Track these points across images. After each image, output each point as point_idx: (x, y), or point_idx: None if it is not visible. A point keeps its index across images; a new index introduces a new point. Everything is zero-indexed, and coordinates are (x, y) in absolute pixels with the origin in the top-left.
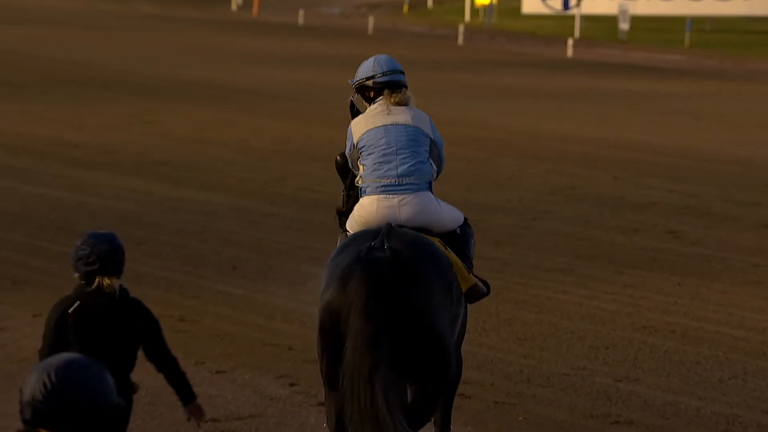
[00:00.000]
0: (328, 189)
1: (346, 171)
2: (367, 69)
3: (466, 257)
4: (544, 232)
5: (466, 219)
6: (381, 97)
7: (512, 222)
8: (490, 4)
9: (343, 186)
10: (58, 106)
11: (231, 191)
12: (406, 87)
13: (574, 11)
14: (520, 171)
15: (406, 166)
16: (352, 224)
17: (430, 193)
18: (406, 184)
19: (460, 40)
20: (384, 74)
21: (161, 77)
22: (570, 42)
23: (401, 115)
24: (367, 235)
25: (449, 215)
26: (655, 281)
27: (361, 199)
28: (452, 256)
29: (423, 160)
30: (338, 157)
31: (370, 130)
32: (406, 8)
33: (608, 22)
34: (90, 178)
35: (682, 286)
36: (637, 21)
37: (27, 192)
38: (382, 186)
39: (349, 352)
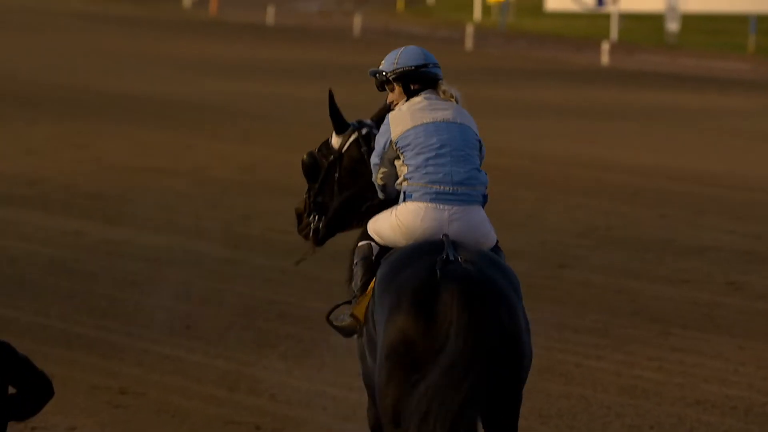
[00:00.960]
0: None
1: (314, 172)
2: (414, 56)
3: None
4: (572, 283)
5: (497, 242)
6: (428, 90)
7: (533, 270)
8: (506, 1)
9: (308, 188)
10: None
11: (183, 232)
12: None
13: (609, 8)
14: (544, 207)
15: (462, 172)
16: (384, 230)
17: (482, 209)
18: (461, 193)
19: (469, 43)
20: (434, 65)
21: (96, 91)
22: (605, 46)
23: (451, 112)
24: (424, 248)
25: (493, 237)
26: (711, 344)
27: (404, 203)
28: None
29: (477, 166)
30: (305, 157)
31: (417, 126)
32: (401, 5)
33: (653, 21)
34: (8, 216)
35: (744, 350)
36: (689, 20)
37: None
38: (434, 193)
39: (434, 382)
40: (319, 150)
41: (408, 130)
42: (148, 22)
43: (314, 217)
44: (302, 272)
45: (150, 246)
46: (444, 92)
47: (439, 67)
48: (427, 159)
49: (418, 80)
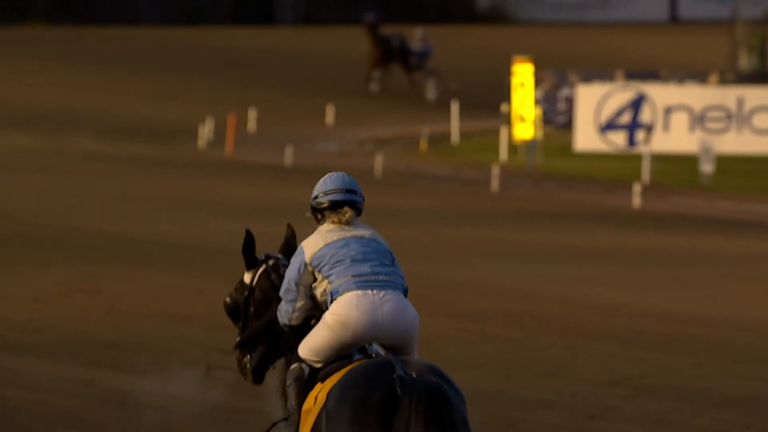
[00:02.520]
0: None
1: (236, 312)
2: (325, 185)
3: None
4: None
5: None
6: (327, 218)
7: (562, 421)
8: (533, 140)
9: (238, 329)
10: None
11: (199, 382)
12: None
13: (641, 149)
14: (573, 355)
15: (381, 267)
16: (318, 339)
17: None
18: (384, 280)
19: (494, 185)
20: (340, 192)
21: (107, 234)
22: (637, 188)
23: (360, 231)
24: (374, 366)
25: (418, 321)
26: None
27: (335, 302)
28: None
29: (399, 279)
30: (227, 299)
31: (330, 244)
32: (424, 144)
33: (686, 162)
34: (14, 366)
35: None
36: (725, 162)
37: None
38: (360, 282)
39: None
40: (236, 290)
41: (321, 248)
42: (163, 162)
43: (247, 355)
44: None
45: (164, 396)
46: (337, 218)
47: (354, 193)
48: (346, 262)
49: (325, 209)
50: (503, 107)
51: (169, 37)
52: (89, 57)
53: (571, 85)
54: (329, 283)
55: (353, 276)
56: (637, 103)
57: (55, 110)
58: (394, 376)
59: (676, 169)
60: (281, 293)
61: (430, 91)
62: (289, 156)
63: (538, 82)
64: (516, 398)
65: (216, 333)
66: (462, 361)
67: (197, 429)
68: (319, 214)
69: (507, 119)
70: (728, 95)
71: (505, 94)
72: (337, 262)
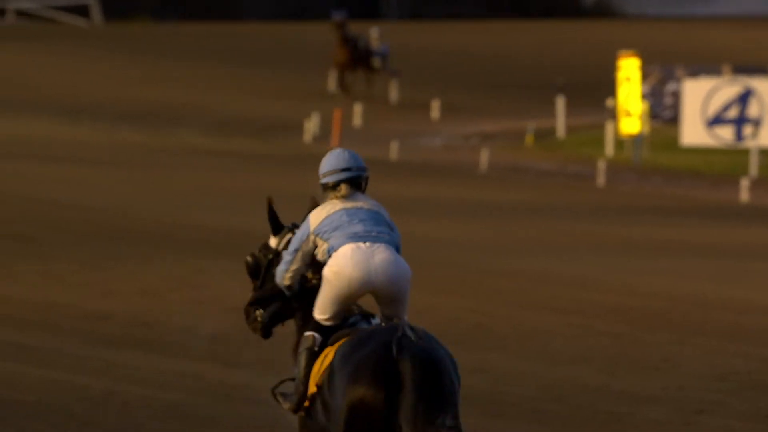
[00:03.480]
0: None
1: (256, 271)
2: (323, 167)
3: None
4: (711, 430)
5: None
6: (329, 194)
7: (668, 416)
8: (640, 134)
9: (253, 286)
10: (82, 267)
11: None
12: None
13: (748, 143)
14: (680, 350)
15: (372, 226)
16: (322, 298)
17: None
18: (375, 235)
19: (601, 180)
20: (334, 173)
21: (214, 228)
22: (744, 182)
23: (360, 201)
24: (381, 331)
25: (410, 273)
26: None
27: (332, 255)
28: None
29: (392, 238)
30: (248, 258)
31: (331, 215)
32: (530, 139)
33: None
34: (122, 360)
35: None
36: None
37: (42, 377)
38: (355, 237)
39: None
40: (259, 251)
41: (323, 219)
42: (267, 157)
43: (259, 309)
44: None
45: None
46: (337, 194)
47: (357, 170)
48: (344, 226)
49: (335, 186)
50: (609, 102)
51: (275, 33)
52: (195, 53)
53: (678, 80)
54: (328, 243)
55: (349, 234)
56: (744, 98)
57: (162, 106)
58: (394, 337)
59: None
60: (284, 257)
61: (394, 93)
62: (394, 151)
63: (644, 76)
64: (622, 393)
65: None
66: (567, 356)
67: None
68: (323, 189)
69: (613, 114)
70: None
71: (611, 89)
72: (336, 227)
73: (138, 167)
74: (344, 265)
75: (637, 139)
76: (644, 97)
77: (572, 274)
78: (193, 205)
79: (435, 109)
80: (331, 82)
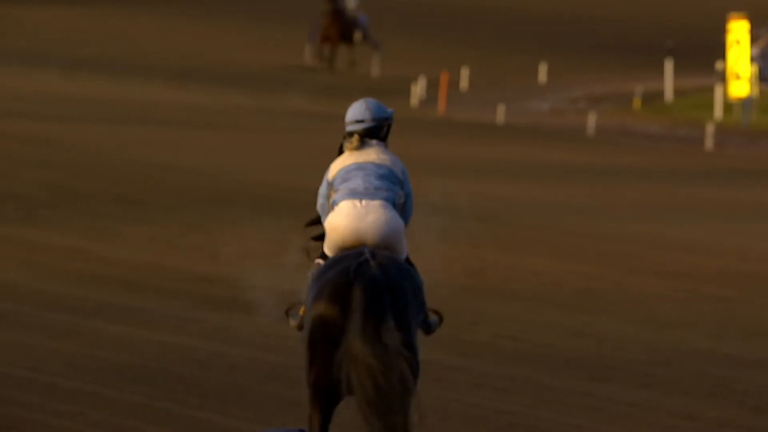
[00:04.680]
0: (534, 336)
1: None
2: (349, 114)
3: (422, 292)
4: None
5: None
6: (347, 145)
7: None
8: (749, 98)
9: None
10: (189, 230)
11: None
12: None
13: None
14: None
15: (371, 181)
16: (327, 239)
17: (394, 209)
18: (372, 192)
19: (709, 143)
20: (350, 123)
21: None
22: None
23: (375, 155)
24: (349, 256)
25: (404, 239)
26: None
27: (333, 209)
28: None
29: (391, 194)
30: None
31: (345, 167)
32: (637, 102)
33: None
34: (228, 322)
35: None
36: None
37: (149, 340)
38: (352, 194)
39: (350, 350)
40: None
41: (338, 170)
42: None
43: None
44: (532, 380)
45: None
46: (351, 145)
47: (373, 121)
48: (348, 181)
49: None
50: (718, 65)
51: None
52: (303, 16)
53: None
54: (335, 195)
55: (350, 189)
56: None
57: (268, 68)
58: (353, 263)
59: None
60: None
61: (375, 67)
62: (501, 114)
63: (753, 39)
64: (729, 357)
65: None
66: (675, 320)
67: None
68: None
69: (722, 77)
70: None
71: (720, 52)
72: (344, 180)
73: (245, 130)
74: (339, 222)
75: (746, 102)
76: (753, 60)
77: (680, 238)
78: (299, 169)
79: (542, 73)
80: (308, 56)
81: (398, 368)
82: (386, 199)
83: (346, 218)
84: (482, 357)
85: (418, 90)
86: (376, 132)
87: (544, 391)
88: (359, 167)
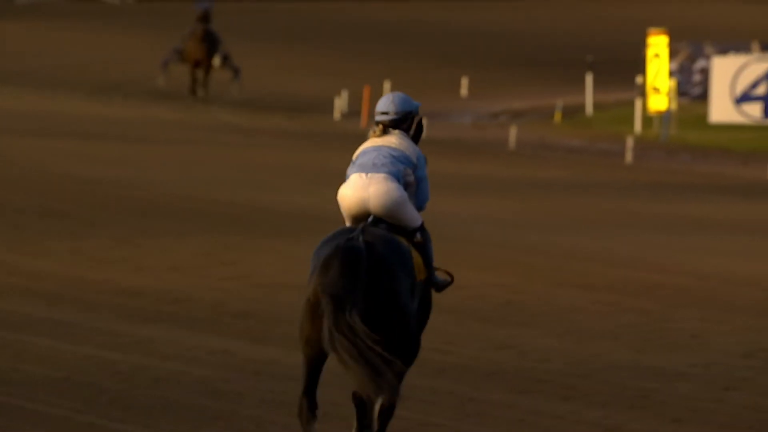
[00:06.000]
0: (457, 348)
1: None
2: (378, 105)
3: (428, 256)
4: (738, 407)
5: (423, 223)
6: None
7: (697, 393)
8: (668, 111)
9: None
10: (114, 243)
11: None
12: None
13: None
14: (709, 327)
15: (378, 159)
16: (340, 207)
17: (399, 184)
18: (377, 166)
19: (629, 157)
20: (377, 114)
21: (245, 204)
22: None
23: (391, 139)
24: (344, 231)
25: (410, 209)
26: None
27: (345, 181)
28: (412, 250)
29: (395, 169)
30: None
31: (364, 149)
32: (558, 116)
33: None
34: (153, 335)
35: None
36: None
37: (73, 353)
38: (359, 168)
39: (326, 316)
40: None
41: (359, 152)
42: (297, 134)
43: None
44: (456, 392)
45: (298, 366)
46: (374, 133)
47: (393, 114)
48: (362, 156)
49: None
50: (638, 79)
51: (305, 10)
52: (227, 30)
53: (707, 57)
54: (349, 170)
55: (359, 165)
56: None
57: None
58: (343, 239)
59: None
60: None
61: (236, 89)
62: (424, 129)
63: (673, 53)
64: (650, 370)
65: None
66: (596, 332)
67: (333, 399)
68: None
69: (642, 91)
70: None
71: (639, 66)
72: (358, 158)
73: (169, 144)
74: (346, 192)
75: (665, 116)
76: (673, 74)
77: (601, 250)
78: (225, 182)
79: (464, 87)
80: (160, 79)
81: (361, 342)
82: (390, 173)
83: (352, 189)
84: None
85: (340, 104)
86: (399, 123)
87: (467, 403)
88: (375, 149)
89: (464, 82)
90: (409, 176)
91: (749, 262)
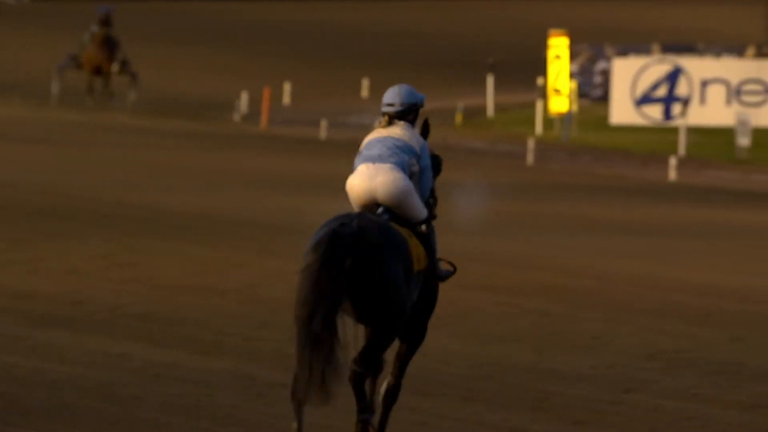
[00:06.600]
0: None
1: None
2: (384, 96)
3: (431, 247)
4: (640, 408)
5: (429, 215)
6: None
7: (598, 395)
8: (569, 113)
9: None
10: (11, 246)
11: (233, 354)
12: (413, 116)
13: (677, 122)
14: (609, 329)
15: (383, 150)
16: (348, 197)
17: (405, 175)
18: (384, 157)
19: (530, 158)
20: (383, 106)
21: (144, 206)
22: (673, 161)
23: (395, 130)
24: (339, 218)
25: (417, 200)
26: None
27: (354, 172)
28: (412, 241)
29: (400, 159)
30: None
31: (370, 140)
32: (459, 118)
33: (723, 135)
34: (50, 339)
35: None
36: (762, 135)
37: None
38: (366, 157)
39: (298, 302)
40: None
41: (365, 142)
42: (198, 135)
43: None
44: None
45: (198, 368)
46: (381, 124)
47: (399, 106)
48: (368, 148)
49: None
50: (539, 80)
51: (205, 11)
52: (126, 31)
53: (607, 58)
54: (356, 161)
55: (365, 156)
56: (673, 76)
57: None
58: (336, 225)
59: (713, 142)
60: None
61: (133, 95)
62: (323, 130)
63: (574, 55)
64: (551, 372)
65: (251, 306)
66: (498, 334)
67: (232, 402)
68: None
69: (542, 92)
70: (765, 68)
71: (540, 68)
72: (366, 149)
73: (70, 146)
74: (353, 182)
75: (566, 118)
76: (573, 75)
77: (503, 252)
78: (125, 184)
79: (365, 88)
80: (55, 85)
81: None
82: (395, 164)
83: (359, 179)
84: None
85: (240, 105)
86: (405, 114)
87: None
88: (380, 140)
89: (365, 83)
90: (414, 166)
91: (650, 264)
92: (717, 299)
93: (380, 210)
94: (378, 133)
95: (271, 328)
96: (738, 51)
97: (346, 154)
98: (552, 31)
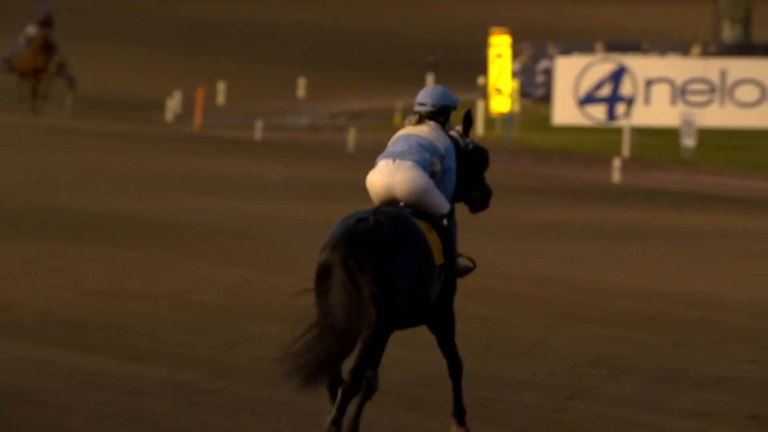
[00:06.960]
0: None
1: None
2: (420, 97)
3: (451, 244)
4: (582, 416)
5: (452, 211)
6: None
7: (539, 402)
8: (510, 113)
9: None
10: None
11: (164, 361)
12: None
13: (621, 122)
14: (551, 334)
15: (405, 147)
16: (369, 192)
17: (425, 171)
18: (404, 153)
19: None
20: (415, 105)
21: (72, 210)
22: (617, 162)
23: (423, 128)
24: (357, 214)
25: (436, 195)
26: None
27: (375, 167)
28: (431, 235)
29: (421, 157)
30: None
31: (398, 136)
32: (398, 118)
33: (667, 136)
34: None
35: None
36: (707, 136)
37: None
38: (386, 156)
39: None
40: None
41: (393, 139)
42: (130, 136)
43: None
44: (293, 404)
45: (128, 375)
46: (411, 122)
47: (430, 106)
48: (393, 144)
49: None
50: (480, 80)
51: (137, 8)
52: (58, 28)
53: (550, 57)
54: (379, 156)
55: (388, 152)
56: (617, 76)
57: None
58: (352, 221)
59: (657, 143)
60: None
61: (70, 99)
62: (259, 130)
63: (515, 54)
64: (492, 379)
65: (182, 311)
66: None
67: (163, 410)
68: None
69: (484, 92)
70: (711, 67)
71: (482, 67)
72: (391, 145)
73: None
74: (373, 178)
75: (507, 118)
76: (515, 75)
77: None
78: (52, 186)
79: (301, 88)
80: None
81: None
82: (416, 161)
83: (379, 175)
84: (241, 379)
85: (173, 105)
86: (436, 115)
87: (304, 415)
88: (406, 137)
89: (301, 83)
90: (436, 165)
91: (593, 268)
92: (659, 304)
93: (402, 204)
94: (406, 131)
95: (204, 333)
96: (683, 50)
97: (282, 155)
98: (493, 29)
